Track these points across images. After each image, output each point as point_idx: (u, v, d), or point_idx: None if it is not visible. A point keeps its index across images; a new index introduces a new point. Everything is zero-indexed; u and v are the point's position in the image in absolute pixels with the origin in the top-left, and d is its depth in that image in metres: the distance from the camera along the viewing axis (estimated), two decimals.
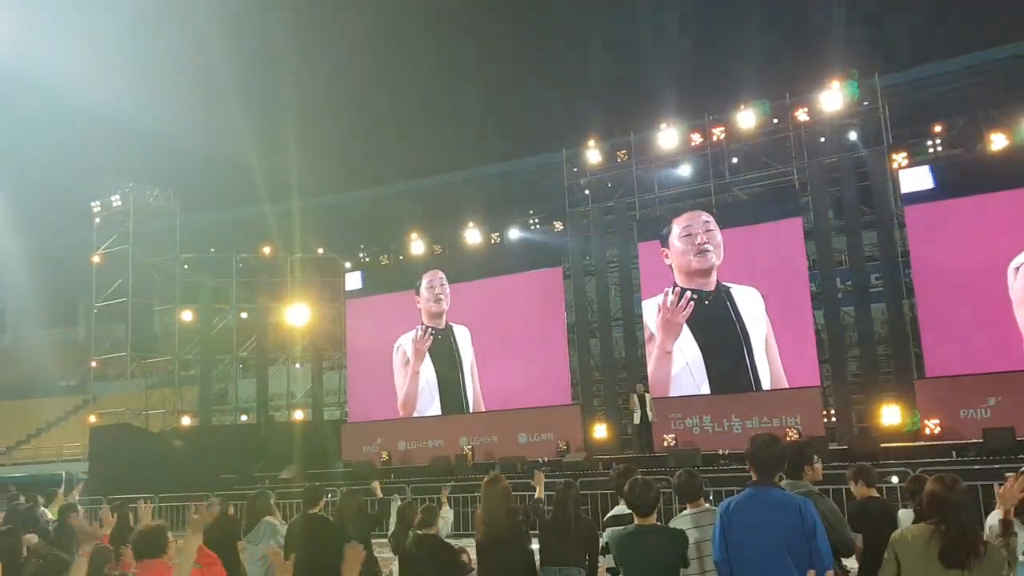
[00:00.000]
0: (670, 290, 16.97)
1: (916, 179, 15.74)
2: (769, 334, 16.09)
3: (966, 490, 3.74)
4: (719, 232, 16.75)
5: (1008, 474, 4.38)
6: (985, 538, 3.71)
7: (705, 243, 16.73)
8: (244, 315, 23.79)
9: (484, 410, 19.36)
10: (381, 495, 7.25)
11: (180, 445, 20.76)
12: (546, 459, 16.72)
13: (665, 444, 16.04)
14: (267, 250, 24.40)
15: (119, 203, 24.78)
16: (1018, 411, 13.70)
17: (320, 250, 24.16)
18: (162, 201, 25.29)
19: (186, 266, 24.57)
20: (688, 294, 16.76)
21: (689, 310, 16.73)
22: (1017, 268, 14.42)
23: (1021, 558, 3.82)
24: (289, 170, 27.91)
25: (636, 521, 4.74)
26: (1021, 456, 11.71)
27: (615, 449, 17.24)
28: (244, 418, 23.15)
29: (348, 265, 22.87)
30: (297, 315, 23.23)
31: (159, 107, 27.97)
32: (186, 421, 23.34)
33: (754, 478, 4.23)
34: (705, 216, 16.99)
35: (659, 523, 4.82)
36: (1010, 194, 14.72)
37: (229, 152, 27.88)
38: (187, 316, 23.96)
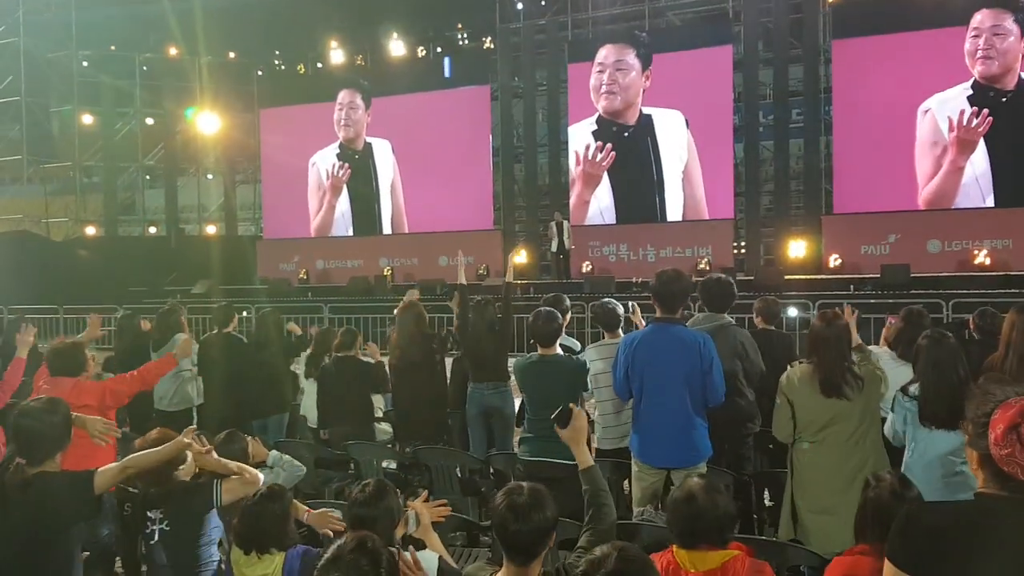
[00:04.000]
0: (591, 143, 16.81)
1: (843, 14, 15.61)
2: (692, 162, 16.22)
3: (843, 326, 3.91)
4: (633, 71, 16.44)
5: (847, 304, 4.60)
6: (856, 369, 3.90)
7: (612, 84, 16.49)
8: (150, 121, 22.47)
9: (406, 230, 19.24)
10: (300, 331, 7.25)
11: (86, 255, 20.10)
12: (466, 282, 16.89)
13: (583, 271, 16.39)
14: (173, 52, 22.76)
15: None
16: (915, 249, 14.47)
17: (231, 55, 22.65)
18: None
19: (85, 63, 22.79)
20: (608, 147, 16.64)
21: (610, 160, 16.71)
22: (925, 112, 14.72)
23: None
24: None
25: (539, 350, 4.88)
26: (914, 292, 12.36)
27: (535, 275, 17.54)
28: (153, 230, 22.41)
29: (260, 72, 21.68)
30: (207, 123, 22.12)
31: None
32: (90, 231, 22.50)
33: (657, 313, 4.33)
34: (622, 54, 16.54)
35: (561, 352, 4.95)
36: (934, 33, 14.75)
37: None
38: (88, 119, 22.51)
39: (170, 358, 5.15)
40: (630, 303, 5.73)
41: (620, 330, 5.33)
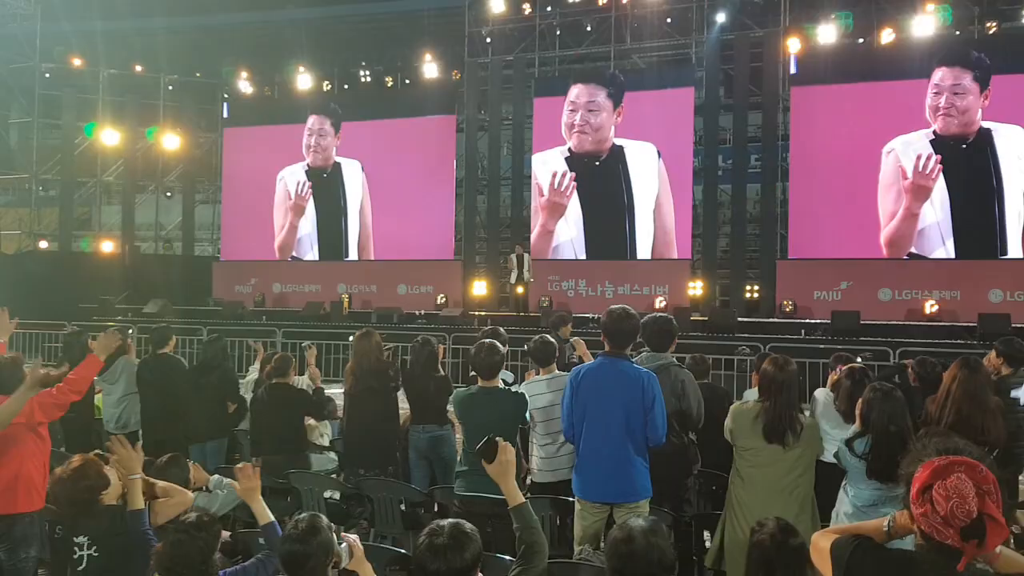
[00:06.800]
0: (557, 171, 17.00)
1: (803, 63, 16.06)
2: (663, 193, 16.40)
3: (794, 372, 3.98)
4: (604, 112, 16.72)
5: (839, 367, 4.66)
6: (807, 416, 3.99)
7: (584, 124, 16.79)
8: (110, 136, 22.16)
9: (372, 253, 19.18)
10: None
11: (36, 269, 19.64)
12: (423, 311, 16.88)
13: (541, 305, 16.45)
14: (139, 68, 22.56)
15: None
16: (867, 296, 14.77)
17: (198, 74, 22.54)
18: (21, 2, 22.80)
19: (48, 75, 22.48)
20: (572, 176, 16.91)
21: (573, 189, 16.92)
22: (888, 152, 15.14)
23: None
24: None
25: (480, 383, 4.87)
26: (863, 338, 12.60)
27: (493, 306, 17.55)
28: (108, 247, 22.02)
29: (227, 94, 21.59)
30: (169, 141, 21.90)
31: None
32: (44, 245, 22.06)
33: (606, 348, 4.37)
34: (593, 95, 16.81)
35: (502, 386, 4.96)
36: (893, 85, 15.22)
37: None
38: (47, 132, 22.16)
39: (93, 358, 4.83)
40: (570, 340, 5.80)
41: (555, 365, 5.38)
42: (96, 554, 3.33)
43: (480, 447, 2.97)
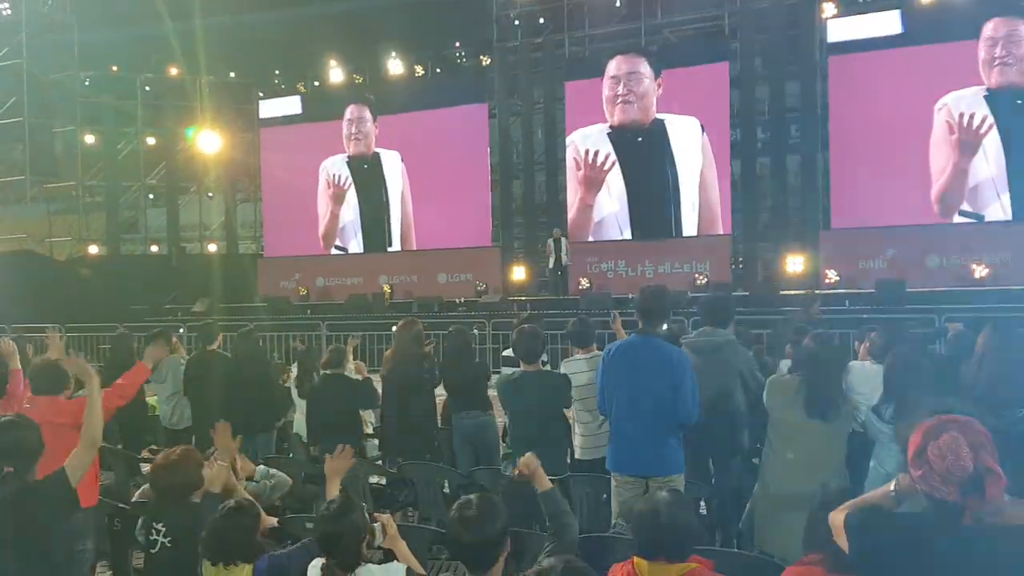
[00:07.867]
0: (590, 148, 16.87)
1: (861, 27, 15.62)
2: (708, 167, 16.16)
3: (838, 349, 3.95)
4: (647, 79, 16.50)
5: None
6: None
7: (628, 94, 16.55)
8: (151, 140, 22.64)
9: (414, 241, 19.32)
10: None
11: (88, 274, 20.21)
12: (463, 299, 16.96)
13: (580, 287, 16.42)
14: (174, 71, 22.97)
15: (8, 12, 22.76)
16: (914, 263, 14.42)
17: (232, 74, 22.87)
18: (57, 11, 23.33)
19: (87, 82, 23.02)
20: (609, 152, 16.72)
21: (612, 165, 16.75)
22: (940, 108, 14.70)
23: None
24: None
25: (522, 367, 4.92)
26: (909, 306, 12.33)
27: (532, 291, 17.56)
28: (155, 249, 22.53)
29: (261, 93, 21.85)
30: (208, 143, 22.26)
31: None
32: (93, 250, 22.64)
33: (640, 326, 4.38)
34: (634, 64, 16.63)
35: (544, 368, 4.99)
36: (934, 48, 14.77)
37: None
38: (90, 139, 22.70)
39: (141, 366, 4.96)
40: (612, 312, 5.80)
41: (595, 346, 5.38)
42: (169, 544, 3.42)
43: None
